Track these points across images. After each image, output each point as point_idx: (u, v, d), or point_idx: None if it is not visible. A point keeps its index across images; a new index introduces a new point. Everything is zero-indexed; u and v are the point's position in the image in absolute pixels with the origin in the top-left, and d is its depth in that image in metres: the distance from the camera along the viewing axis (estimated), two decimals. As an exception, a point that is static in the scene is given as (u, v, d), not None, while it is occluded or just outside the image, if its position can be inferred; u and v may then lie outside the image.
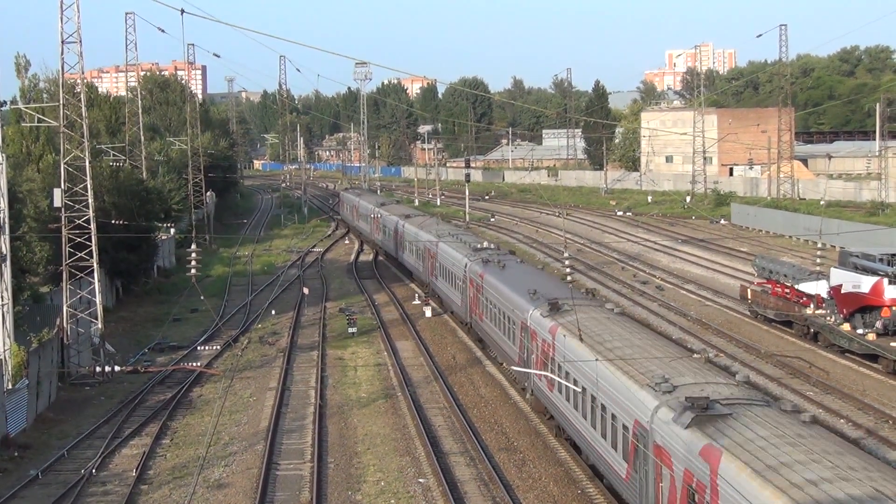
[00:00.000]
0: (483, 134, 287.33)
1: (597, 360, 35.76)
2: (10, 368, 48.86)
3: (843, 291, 57.65)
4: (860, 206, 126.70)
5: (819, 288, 61.54)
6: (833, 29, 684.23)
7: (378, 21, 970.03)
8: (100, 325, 60.59)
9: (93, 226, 60.15)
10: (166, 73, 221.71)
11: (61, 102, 60.43)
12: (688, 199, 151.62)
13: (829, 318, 59.43)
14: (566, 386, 39.69)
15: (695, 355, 36.74)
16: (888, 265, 55.98)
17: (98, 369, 58.64)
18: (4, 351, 50.32)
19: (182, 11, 43.61)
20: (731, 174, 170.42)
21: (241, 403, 52.51)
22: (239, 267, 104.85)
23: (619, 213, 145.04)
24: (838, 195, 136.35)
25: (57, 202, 58.99)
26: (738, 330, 65.83)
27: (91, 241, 60.05)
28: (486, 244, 70.50)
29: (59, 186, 59.27)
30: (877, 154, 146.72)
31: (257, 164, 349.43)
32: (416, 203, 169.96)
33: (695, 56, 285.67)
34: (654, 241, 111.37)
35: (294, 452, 43.96)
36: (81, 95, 63.45)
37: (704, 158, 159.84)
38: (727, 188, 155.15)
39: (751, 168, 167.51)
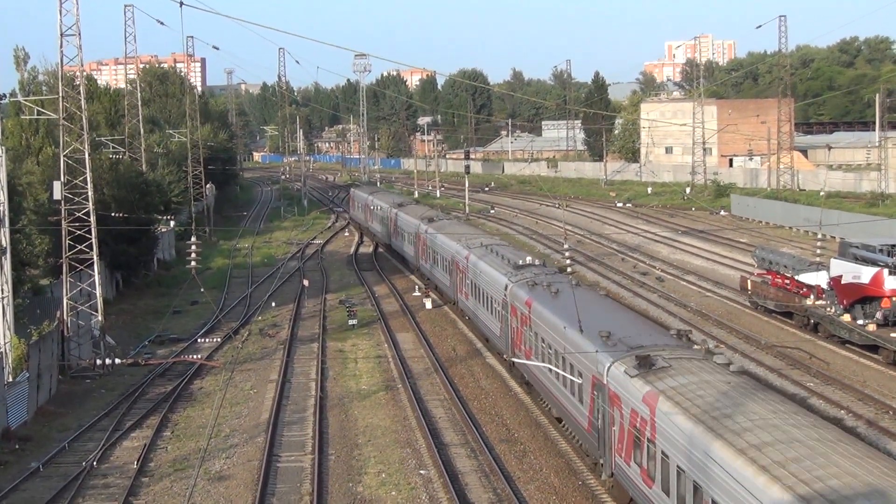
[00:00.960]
0: (482, 125, 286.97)
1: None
2: (10, 361, 48.90)
3: (843, 282, 57.64)
4: (860, 196, 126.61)
5: (819, 279, 61.53)
6: (833, 20, 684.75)
7: (377, 13, 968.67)
8: (100, 318, 60.58)
9: (93, 218, 60.10)
10: (165, 65, 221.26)
11: (60, 95, 60.35)
12: (687, 190, 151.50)
13: (829, 309, 59.42)
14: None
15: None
16: (888, 256, 55.96)
17: (98, 362, 58.60)
18: (5, 344, 50.34)
19: (181, 3, 43.46)
20: (730, 165, 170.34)
21: (242, 396, 52.54)
22: (239, 259, 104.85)
23: (619, 205, 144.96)
24: (838, 186, 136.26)
25: (57, 195, 58.96)
26: (738, 321, 65.85)
27: (91, 234, 60.00)
28: (529, 260, 57.31)
29: (59, 179, 59.23)
30: (876, 145, 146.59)
31: (257, 156, 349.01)
32: (417, 195, 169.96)
33: (694, 47, 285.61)
34: (654, 232, 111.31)
35: (295, 444, 43.99)
36: (81, 88, 63.37)
37: (704, 149, 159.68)
38: (727, 179, 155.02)
39: (750, 159, 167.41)
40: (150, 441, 44.65)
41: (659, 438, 30.16)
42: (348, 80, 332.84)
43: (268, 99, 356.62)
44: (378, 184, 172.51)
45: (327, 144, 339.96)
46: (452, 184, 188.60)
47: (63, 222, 59.50)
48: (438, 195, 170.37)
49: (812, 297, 61.90)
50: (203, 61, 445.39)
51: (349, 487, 38.42)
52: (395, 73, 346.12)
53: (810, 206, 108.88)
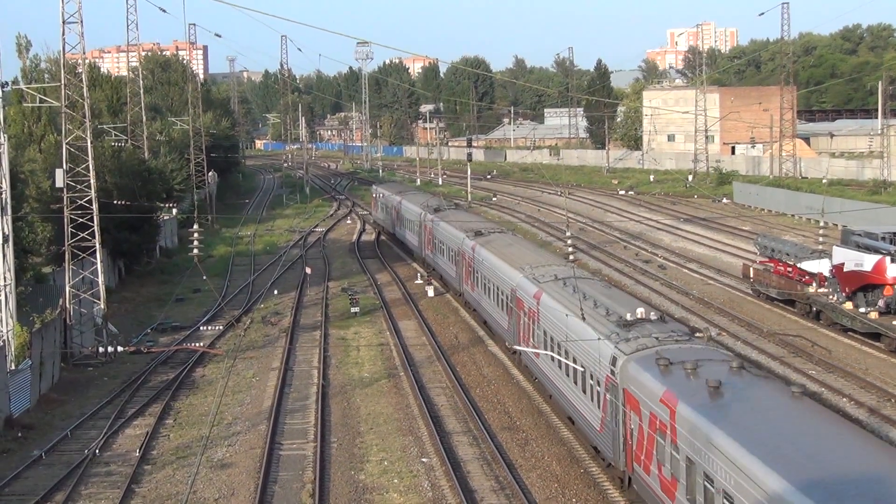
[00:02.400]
0: (485, 113, 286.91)
1: None
2: (13, 349, 48.96)
3: (845, 270, 57.60)
4: (862, 184, 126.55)
5: (821, 266, 61.46)
6: (835, 7, 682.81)
7: (380, 1, 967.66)
8: (102, 306, 60.61)
9: (95, 206, 60.07)
10: (168, 53, 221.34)
11: (63, 83, 60.31)
12: (690, 177, 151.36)
13: (831, 297, 59.38)
14: None
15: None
16: (890, 244, 55.91)
17: (101, 350, 58.67)
18: (7, 332, 50.38)
19: (183, -9, 43.46)
20: (733, 153, 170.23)
21: (244, 383, 52.58)
22: (241, 247, 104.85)
23: (622, 193, 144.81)
24: (840, 174, 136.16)
25: (59, 182, 58.93)
26: (741, 309, 65.83)
27: (93, 222, 59.98)
28: (641, 312, 37.26)
29: (61, 167, 59.19)
30: (879, 132, 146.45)
31: (259, 143, 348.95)
32: (419, 182, 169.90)
33: (697, 35, 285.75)
34: (657, 220, 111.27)
35: (297, 432, 44.03)
36: (83, 76, 63.30)
37: (706, 137, 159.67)
38: (729, 167, 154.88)
39: (753, 147, 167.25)
40: (153, 429, 44.67)
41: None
42: (350, 67, 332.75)
43: (270, 86, 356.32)
44: (396, 177, 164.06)
45: (329, 132, 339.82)
46: (454, 171, 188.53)
47: (65, 210, 59.48)
48: (441, 183, 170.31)
49: (814, 284, 61.86)
50: (205, 49, 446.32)
51: (351, 475, 38.46)
52: (397, 61, 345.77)
53: (812, 194, 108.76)
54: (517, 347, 49.94)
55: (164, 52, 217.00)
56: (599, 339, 35.88)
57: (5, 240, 51.99)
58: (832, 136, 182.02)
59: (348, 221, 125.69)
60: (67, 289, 58.76)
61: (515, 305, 50.60)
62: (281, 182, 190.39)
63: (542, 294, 45.62)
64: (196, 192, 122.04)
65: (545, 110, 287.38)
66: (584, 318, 38.49)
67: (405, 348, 58.76)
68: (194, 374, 54.94)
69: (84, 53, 62.69)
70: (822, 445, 24.79)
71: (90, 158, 60.37)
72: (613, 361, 33.85)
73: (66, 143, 60.05)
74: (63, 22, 59.46)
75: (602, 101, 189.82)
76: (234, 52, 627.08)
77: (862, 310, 56.16)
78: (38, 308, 56.71)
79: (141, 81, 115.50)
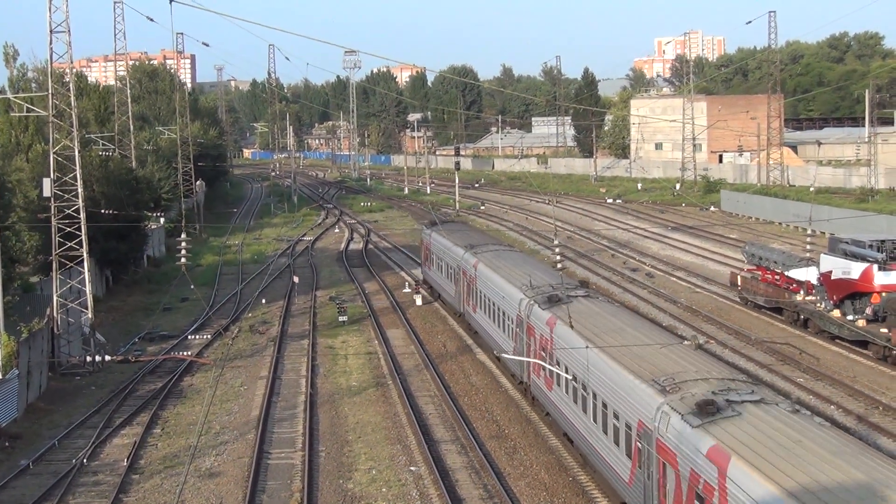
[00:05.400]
0: (472, 122, 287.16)
1: None
2: (0, 359, 48.79)
3: (832, 278, 57.76)
4: (850, 192, 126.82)
5: (809, 274, 61.61)
6: (822, 15, 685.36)
7: (367, 9, 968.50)
8: (90, 315, 60.49)
9: (82, 215, 59.99)
10: (155, 62, 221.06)
11: (50, 92, 60.23)
12: (677, 186, 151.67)
13: (819, 305, 59.51)
14: None
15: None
16: (878, 251, 56.10)
17: (88, 359, 58.54)
18: (-6, 341, 50.22)
19: (171, 0, 43.45)
20: (720, 161, 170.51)
21: (232, 392, 52.50)
22: (229, 256, 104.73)
23: (609, 201, 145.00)
24: (828, 182, 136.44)
25: (46, 192, 58.83)
26: (728, 316, 65.92)
27: (81, 231, 59.89)
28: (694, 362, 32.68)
29: (49, 176, 59.10)
30: (866, 140, 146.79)
31: (247, 152, 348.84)
32: (406, 191, 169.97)
33: (684, 43, 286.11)
34: (644, 228, 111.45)
35: (285, 441, 43.97)
36: (70, 85, 63.22)
37: (694, 145, 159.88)
38: (717, 175, 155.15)
39: (740, 155, 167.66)
40: (141, 438, 44.59)
41: None
42: (338, 76, 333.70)
43: (258, 95, 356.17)
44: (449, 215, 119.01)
45: (317, 141, 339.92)
46: (442, 180, 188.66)
47: (53, 219, 59.38)
48: (429, 191, 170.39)
49: (802, 292, 61.98)
50: (193, 58, 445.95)
51: (339, 484, 38.41)
52: (385, 70, 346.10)
53: (800, 202, 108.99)
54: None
55: (151, 62, 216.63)
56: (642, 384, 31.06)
57: (-8, 249, 51.86)
58: (819, 144, 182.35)
59: (336, 230, 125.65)
60: (55, 298, 58.64)
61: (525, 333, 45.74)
62: (269, 191, 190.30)
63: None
64: (184, 202, 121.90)
65: (533, 119, 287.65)
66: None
67: (393, 357, 58.73)
68: (182, 384, 54.84)
69: (71, 63, 62.62)
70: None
71: (78, 168, 60.29)
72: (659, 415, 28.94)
73: (54, 153, 59.95)
74: (50, 31, 59.38)
75: (590, 110, 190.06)
76: (221, 61, 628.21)
77: (850, 317, 56.32)
78: (26, 317, 56.62)
79: (128, 90, 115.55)
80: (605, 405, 33.84)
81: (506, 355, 49.83)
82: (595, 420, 35.13)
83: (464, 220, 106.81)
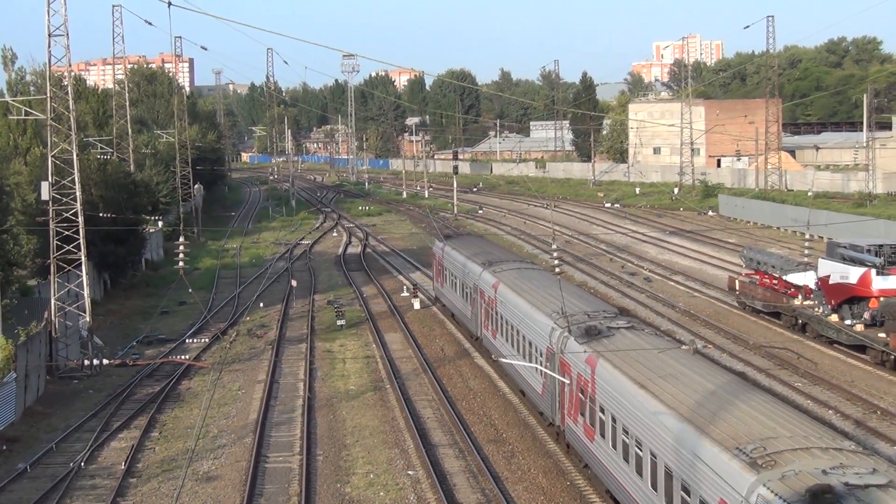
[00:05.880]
0: (471, 126, 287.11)
1: None
2: (-2, 362, 48.77)
3: (830, 282, 57.76)
4: (848, 197, 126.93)
5: (807, 279, 61.65)
6: (820, 20, 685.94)
7: (366, 13, 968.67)
8: (88, 319, 60.45)
9: (80, 219, 59.97)
10: (153, 65, 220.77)
11: (48, 95, 60.18)
12: (675, 190, 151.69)
13: (816, 309, 59.51)
14: None
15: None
16: (876, 256, 56.10)
17: (86, 362, 58.42)
18: (-8, 344, 50.19)
19: (169, 4, 43.40)
20: (718, 165, 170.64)
21: (230, 396, 52.47)
22: (227, 259, 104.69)
23: (607, 205, 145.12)
24: (826, 186, 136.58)
25: (45, 195, 58.83)
26: (726, 321, 65.92)
27: (79, 234, 59.87)
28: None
29: (47, 179, 59.10)
30: (864, 145, 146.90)
31: (245, 156, 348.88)
32: (405, 195, 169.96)
33: (682, 47, 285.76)
34: (643, 232, 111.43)
35: (283, 445, 43.94)
36: (69, 88, 63.23)
37: (692, 150, 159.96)
38: (715, 179, 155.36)
39: (738, 159, 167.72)
40: (138, 442, 44.56)
41: None
42: (336, 80, 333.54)
43: (256, 99, 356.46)
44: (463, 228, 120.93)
45: (315, 145, 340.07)
46: (440, 184, 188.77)
47: (51, 223, 59.36)
48: (427, 195, 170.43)
49: (800, 297, 62.00)
50: (191, 61, 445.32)
51: (337, 488, 38.38)
52: (383, 74, 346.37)
53: (798, 207, 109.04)
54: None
55: (150, 65, 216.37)
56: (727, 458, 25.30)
57: (-10, 252, 51.83)
58: (817, 148, 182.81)
59: (334, 234, 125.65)
60: (53, 301, 58.60)
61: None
62: (267, 195, 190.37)
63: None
64: (182, 205, 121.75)
65: (531, 123, 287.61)
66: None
67: (391, 361, 58.70)
68: (180, 387, 54.80)
69: (70, 66, 62.63)
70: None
71: (76, 171, 60.27)
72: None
73: (52, 156, 59.93)
74: (49, 35, 59.38)
75: (588, 114, 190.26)
76: (220, 65, 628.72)
77: (847, 322, 56.33)
78: (24, 321, 56.52)
79: (127, 94, 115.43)
80: (685, 489, 27.38)
81: (537, 400, 44.65)
82: (655, 489, 29.48)
83: (479, 234, 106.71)
